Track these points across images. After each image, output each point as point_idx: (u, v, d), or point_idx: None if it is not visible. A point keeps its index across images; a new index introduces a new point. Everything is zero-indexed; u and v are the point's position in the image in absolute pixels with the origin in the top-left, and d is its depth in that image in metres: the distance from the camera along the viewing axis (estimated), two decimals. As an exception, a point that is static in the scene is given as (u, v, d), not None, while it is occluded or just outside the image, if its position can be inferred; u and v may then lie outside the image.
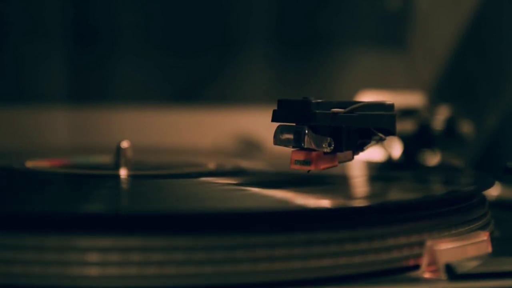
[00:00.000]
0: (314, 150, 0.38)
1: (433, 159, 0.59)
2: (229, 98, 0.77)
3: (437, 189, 0.45)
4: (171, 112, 0.75)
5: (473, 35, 0.74)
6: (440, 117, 0.60)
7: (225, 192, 0.39)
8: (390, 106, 0.40)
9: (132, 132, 0.72)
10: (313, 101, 0.37)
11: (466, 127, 0.60)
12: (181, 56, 0.76)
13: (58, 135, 0.72)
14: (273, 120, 0.39)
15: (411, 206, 0.35)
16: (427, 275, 0.33)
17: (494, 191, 0.53)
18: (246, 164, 0.52)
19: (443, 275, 0.33)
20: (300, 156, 0.38)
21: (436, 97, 0.69)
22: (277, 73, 0.78)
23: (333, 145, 0.38)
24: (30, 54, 0.73)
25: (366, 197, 0.40)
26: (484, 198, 0.42)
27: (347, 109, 0.38)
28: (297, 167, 0.38)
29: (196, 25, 0.76)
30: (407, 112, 0.60)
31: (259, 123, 0.65)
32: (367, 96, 0.64)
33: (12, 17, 0.73)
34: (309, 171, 0.38)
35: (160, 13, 0.76)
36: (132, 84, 0.75)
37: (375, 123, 0.40)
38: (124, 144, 0.46)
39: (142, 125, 0.74)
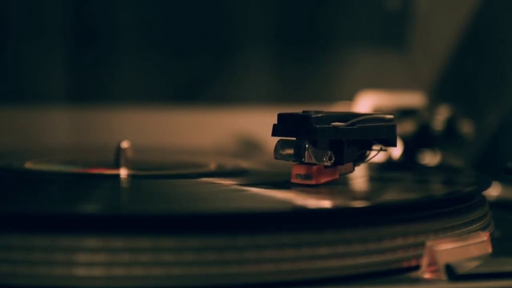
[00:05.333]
0: (314, 164, 0.38)
1: (433, 159, 0.59)
2: (229, 98, 0.77)
3: (437, 189, 0.45)
4: (171, 112, 0.75)
5: (473, 35, 0.74)
6: (440, 117, 0.60)
7: (224, 193, 0.39)
8: (390, 119, 0.40)
9: (132, 132, 0.72)
10: (313, 116, 0.38)
11: (466, 127, 0.60)
12: (181, 56, 0.76)
13: (58, 135, 0.72)
14: (273, 134, 0.39)
15: (411, 206, 0.35)
16: (427, 276, 0.33)
17: (494, 191, 0.53)
18: (246, 164, 0.52)
19: (443, 276, 0.33)
20: (301, 170, 0.39)
21: (436, 97, 0.69)
22: (277, 73, 0.78)
23: (333, 159, 0.39)
24: (30, 54, 0.73)
25: (366, 198, 0.40)
26: (484, 198, 0.42)
27: (348, 123, 0.38)
28: (298, 181, 0.39)
29: (196, 25, 0.76)
30: (407, 112, 0.61)
31: (259, 123, 0.65)
32: (367, 96, 0.64)
33: (12, 17, 0.73)
34: (310, 185, 0.38)
35: (160, 13, 0.76)
36: (132, 84, 0.75)
37: (376, 135, 0.40)
38: (124, 144, 0.46)
39: (142, 125, 0.74)
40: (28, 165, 0.49)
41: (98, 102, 0.74)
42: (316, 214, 0.33)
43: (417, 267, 0.34)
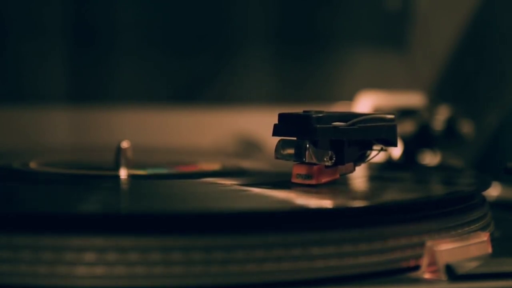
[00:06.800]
0: (315, 164, 0.38)
1: (433, 159, 0.59)
2: (229, 98, 0.77)
3: (437, 189, 0.45)
4: (171, 112, 0.75)
5: (473, 35, 0.74)
6: (440, 117, 0.60)
7: (224, 193, 0.39)
8: (391, 119, 0.40)
9: (132, 132, 0.72)
10: (314, 116, 0.38)
11: (466, 127, 0.60)
12: (181, 56, 0.76)
13: (58, 135, 0.72)
14: (274, 134, 0.39)
15: (411, 206, 0.35)
16: (427, 276, 0.33)
17: (494, 191, 0.53)
18: (246, 164, 0.52)
19: (443, 276, 0.33)
20: (302, 170, 0.39)
21: (436, 97, 0.69)
22: (277, 73, 0.78)
23: (334, 159, 0.39)
24: (30, 54, 0.73)
25: (366, 198, 0.40)
26: (484, 198, 0.42)
27: (348, 123, 0.38)
28: (298, 181, 0.39)
29: (196, 25, 0.76)
30: (407, 112, 0.60)
31: (259, 123, 0.65)
32: (367, 96, 0.64)
33: (12, 17, 0.73)
34: (310, 185, 0.38)
35: (160, 13, 0.76)
36: (132, 84, 0.75)
37: (376, 135, 0.40)
38: (124, 144, 0.46)
39: (142, 125, 0.74)
40: (28, 165, 0.49)
41: (98, 102, 0.74)
42: (317, 214, 0.33)
43: (417, 267, 0.34)
